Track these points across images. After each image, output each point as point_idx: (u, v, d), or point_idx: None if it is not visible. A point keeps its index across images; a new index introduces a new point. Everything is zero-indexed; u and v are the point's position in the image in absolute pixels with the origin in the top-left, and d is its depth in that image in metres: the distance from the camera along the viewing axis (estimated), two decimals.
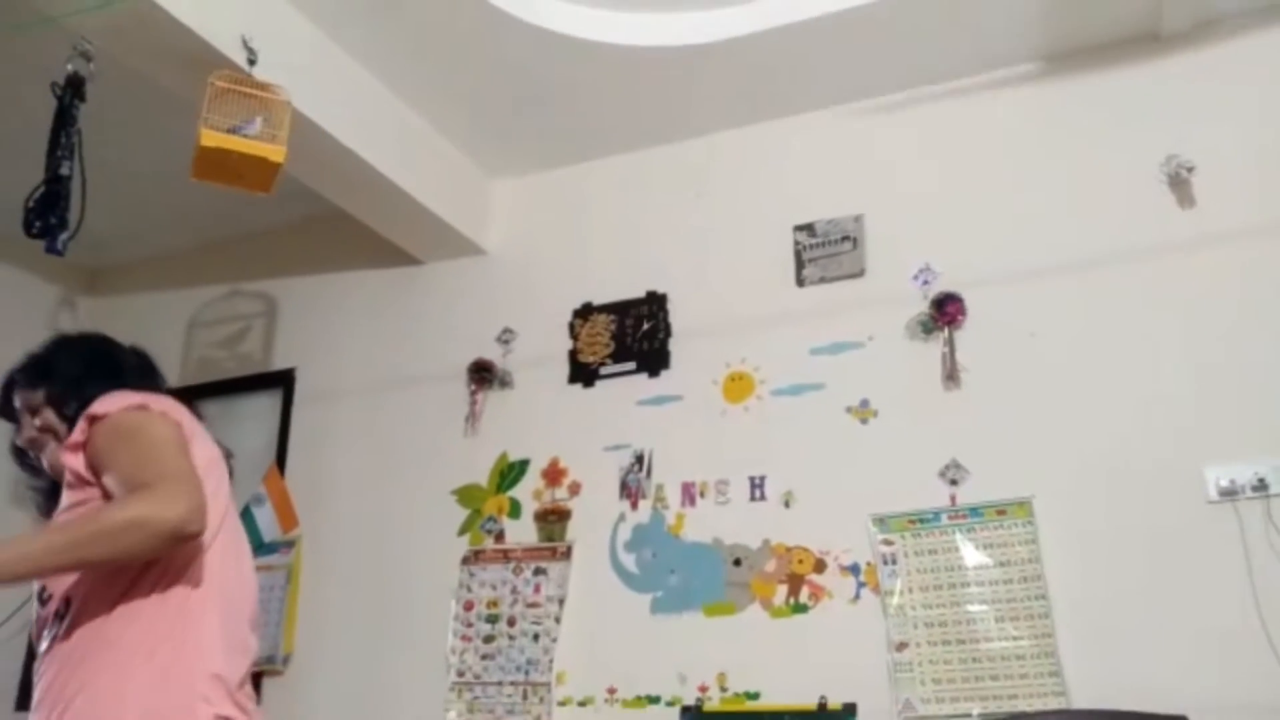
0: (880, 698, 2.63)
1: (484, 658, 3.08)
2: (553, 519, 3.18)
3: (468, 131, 3.41)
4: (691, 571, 2.96)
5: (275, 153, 2.45)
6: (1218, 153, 2.73)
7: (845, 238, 3.09)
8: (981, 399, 2.79)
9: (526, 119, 3.33)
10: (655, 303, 3.28)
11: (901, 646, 2.65)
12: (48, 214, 2.39)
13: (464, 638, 3.13)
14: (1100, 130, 2.89)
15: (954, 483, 2.75)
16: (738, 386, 3.09)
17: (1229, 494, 2.49)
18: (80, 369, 1.82)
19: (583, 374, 3.30)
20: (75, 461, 1.63)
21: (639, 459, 3.12)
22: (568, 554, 3.11)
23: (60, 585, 1.60)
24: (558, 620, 3.04)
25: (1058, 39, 2.93)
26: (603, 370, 3.28)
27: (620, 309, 3.32)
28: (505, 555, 3.19)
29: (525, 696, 2.99)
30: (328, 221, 3.63)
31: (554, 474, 3.23)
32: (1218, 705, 2.28)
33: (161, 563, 1.57)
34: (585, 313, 3.37)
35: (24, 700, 3.58)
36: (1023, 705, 2.49)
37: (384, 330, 3.67)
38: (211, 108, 2.41)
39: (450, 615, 3.16)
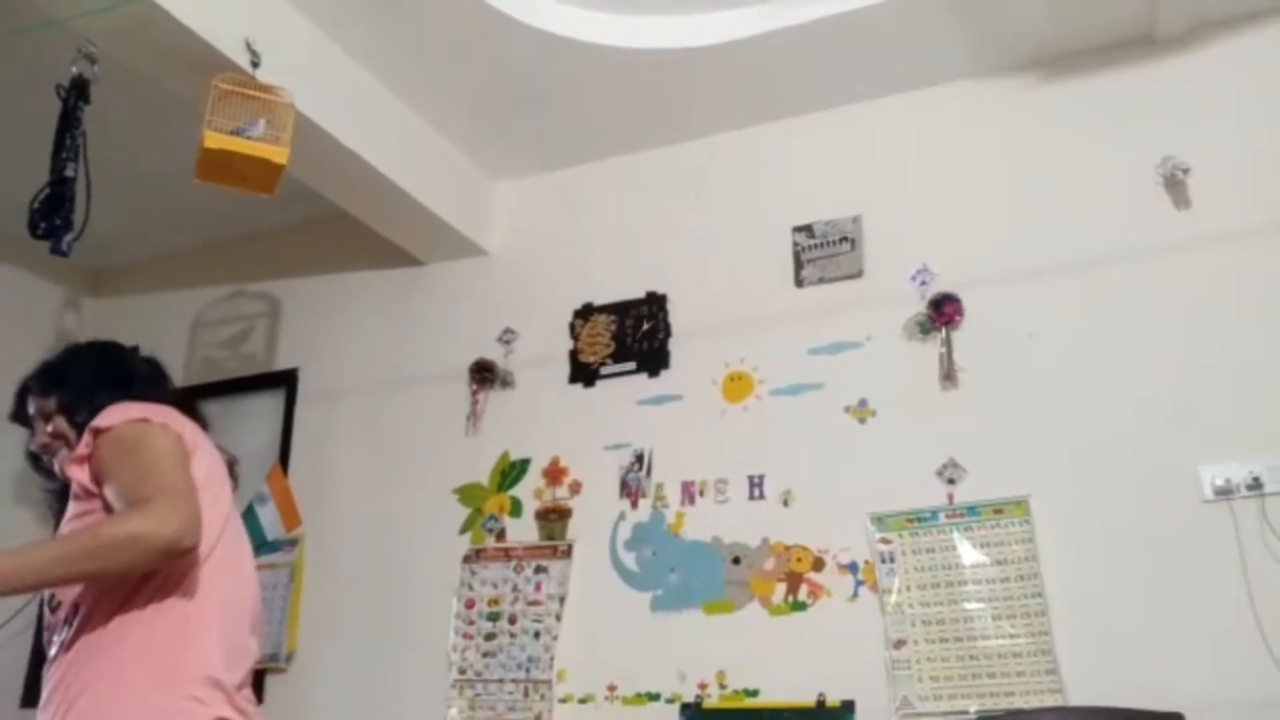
0: (878, 695, 2.64)
1: (485, 655, 3.10)
2: (553, 518, 3.20)
3: (469, 133, 3.43)
4: (691, 570, 2.97)
5: (278, 154, 2.47)
6: (1213, 154, 2.75)
7: (844, 239, 3.11)
8: (979, 399, 2.81)
9: (527, 120, 3.35)
10: (655, 303, 3.30)
11: (899, 644, 2.67)
12: (52, 215, 2.42)
13: (465, 635, 3.15)
14: (1096, 132, 2.91)
15: (951, 482, 2.76)
16: (737, 386, 3.11)
17: (1224, 493, 2.50)
18: (91, 377, 1.86)
19: (583, 374, 3.32)
20: (80, 474, 1.69)
21: (639, 458, 3.14)
22: (568, 552, 3.13)
23: (69, 593, 1.67)
24: (558, 618, 3.06)
25: (1053, 41, 2.95)
26: (603, 370, 3.30)
27: (620, 309, 3.34)
28: (506, 554, 3.21)
29: (526, 694, 3.01)
30: (330, 222, 3.65)
31: (555, 473, 3.25)
32: (1213, 702, 2.30)
33: (161, 572, 1.62)
34: (586, 313, 3.39)
35: (28, 698, 3.61)
36: (1019, 702, 2.50)
37: (386, 330, 3.69)
38: (215, 110, 2.42)
39: (452, 613, 3.18)
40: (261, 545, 3.40)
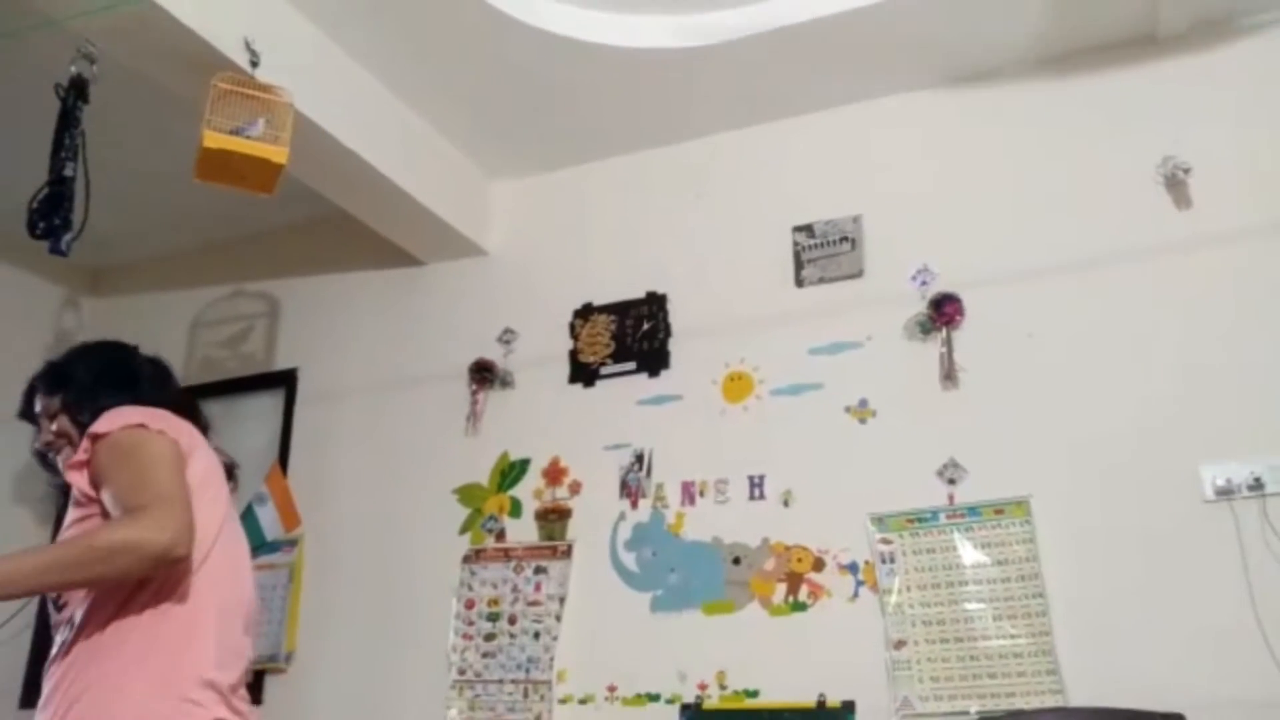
0: (879, 695, 2.64)
1: (485, 656, 3.10)
2: (553, 518, 3.19)
3: (468, 133, 3.43)
4: (691, 570, 2.97)
5: (278, 154, 2.47)
6: (1213, 154, 2.75)
7: (844, 238, 3.11)
8: (979, 399, 2.80)
9: (527, 120, 3.35)
10: (655, 303, 3.29)
11: (900, 644, 2.67)
12: (51, 215, 2.41)
13: (465, 636, 3.14)
14: (1097, 132, 2.90)
15: (952, 482, 2.76)
16: (737, 386, 3.10)
17: (1225, 493, 2.50)
18: (95, 378, 1.88)
19: (583, 374, 3.32)
20: (79, 479, 1.71)
21: (639, 458, 3.14)
22: (568, 553, 3.13)
23: (73, 595, 1.68)
24: (558, 618, 3.05)
25: (1054, 41, 2.94)
26: (603, 370, 3.30)
27: (620, 309, 3.34)
28: (506, 554, 3.20)
29: (526, 694, 3.00)
30: (329, 222, 3.65)
31: (554, 473, 3.25)
32: (1213, 703, 2.29)
33: (158, 577, 1.63)
34: (586, 313, 3.39)
35: (28, 698, 3.60)
36: (1020, 703, 2.50)
37: (386, 330, 3.68)
38: (214, 109, 2.42)
39: (451, 614, 3.18)
40: (261, 545, 3.40)
